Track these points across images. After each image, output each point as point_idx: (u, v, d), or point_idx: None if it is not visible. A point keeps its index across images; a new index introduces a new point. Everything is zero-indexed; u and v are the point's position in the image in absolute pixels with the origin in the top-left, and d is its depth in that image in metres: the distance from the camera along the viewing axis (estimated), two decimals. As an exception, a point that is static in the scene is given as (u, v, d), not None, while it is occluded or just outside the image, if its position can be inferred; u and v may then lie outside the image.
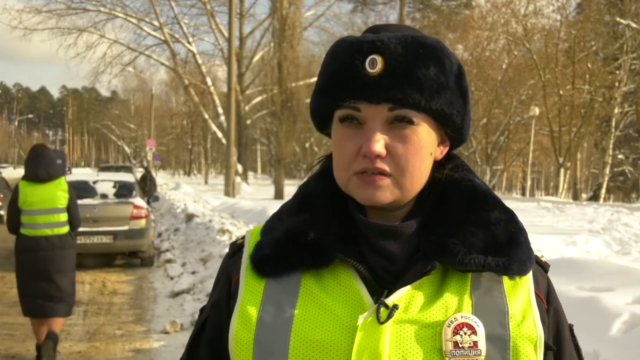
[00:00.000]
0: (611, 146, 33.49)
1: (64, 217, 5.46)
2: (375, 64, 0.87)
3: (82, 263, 10.66)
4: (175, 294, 8.24)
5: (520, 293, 0.91)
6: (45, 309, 5.37)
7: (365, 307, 0.86)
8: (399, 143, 0.88)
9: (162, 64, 35.40)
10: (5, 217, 5.57)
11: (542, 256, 1.01)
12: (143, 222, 10.51)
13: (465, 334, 0.85)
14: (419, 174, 0.90)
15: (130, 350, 5.99)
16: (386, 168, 0.88)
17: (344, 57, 0.90)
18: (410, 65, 0.87)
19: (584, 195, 41.07)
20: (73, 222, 5.54)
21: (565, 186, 33.50)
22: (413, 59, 0.88)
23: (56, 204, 5.41)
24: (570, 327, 0.99)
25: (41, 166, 5.35)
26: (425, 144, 0.90)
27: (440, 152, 0.95)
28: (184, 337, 6.20)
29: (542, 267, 0.98)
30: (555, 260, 5.72)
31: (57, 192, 5.41)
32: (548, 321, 0.94)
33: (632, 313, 3.83)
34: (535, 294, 0.93)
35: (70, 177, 11.90)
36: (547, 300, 0.95)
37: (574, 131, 31.87)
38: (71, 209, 5.51)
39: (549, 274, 1.00)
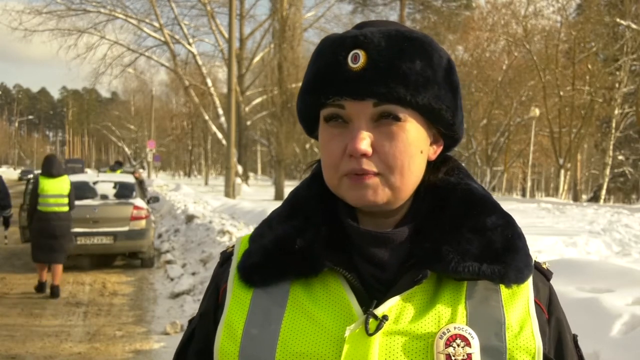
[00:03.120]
0: (611, 147, 33.47)
1: (66, 200, 8.44)
2: (357, 59, 0.84)
3: (82, 264, 10.68)
4: (176, 295, 8.24)
5: (518, 302, 0.87)
6: (50, 257, 8.24)
7: (355, 317, 0.83)
8: (385, 141, 0.84)
9: (163, 65, 35.47)
10: (29, 198, 8.62)
11: (545, 263, 0.96)
12: (143, 222, 10.50)
13: (458, 345, 0.81)
14: (409, 173, 0.86)
15: (130, 351, 5.99)
16: (373, 168, 0.84)
17: (328, 54, 0.87)
18: (394, 59, 0.84)
19: (584, 197, 41.09)
20: (71, 204, 8.52)
21: (566, 187, 33.51)
22: (397, 52, 0.84)
23: (62, 192, 8.41)
24: (575, 337, 0.95)
25: (53, 167, 8.45)
26: (413, 141, 0.86)
27: (434, 151, 0.92)
28: (184, 338, 6.20)
29: (544, 274, 0.94)
30: (556, 261, 5.72)
31: (63, 184, 8.46)
32: (549, 332, 0.90)
33: (632, 314, 3.83)
34: (535, 303, 0.89)
35: (70, 178, 11.91)
36: (548, 310, 0.91)
37: (574, 132, 31.86)
38: (70, 195, 8.51)
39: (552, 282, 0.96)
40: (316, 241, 0.88)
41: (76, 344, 6.19)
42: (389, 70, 0.84)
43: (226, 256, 0.99)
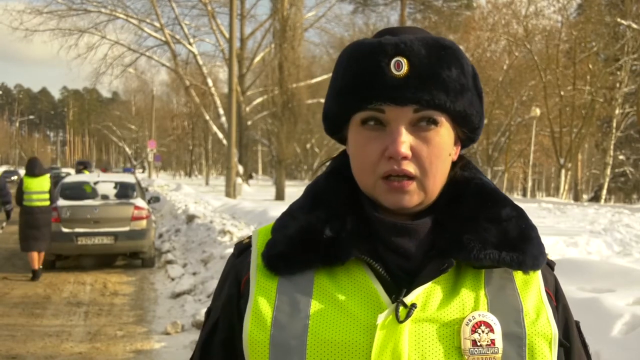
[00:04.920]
0: (612, 147, 33.48)
1: (47, 196, 9.72)
2: (400, 66, 0.88)
3: (83, 264, 10.69)
4: (176, 295, 8.24)
5: (532, 290, 0.92)
6: (35, 245, 9.46)
7: (383, 306, 0.86)
8: (423, 145, 0.89)
9: (163, 65, 35.44)
10: (15, 195, 9.83)
11: (547, 254, 1.00)
12: (144, 223, 10.50)
13: (483, 332, 0.85)
14: (441, 176, 0.91)
15: (131, 351, 5.99)
16: (411, 170, 0.88)
17: (367, 59, 0.90)
18: (434, 67, 0.88)
19: (585, 196, 41.06)
20: (51, 199, 9.81)
21: (566, 187, 33.50)
22: (437, 60, 0.89)
23: (44, 189, 9.70)
24: (577, 324, 1.00)
25: (36, 168, 9.77)
26: (446, 146, 0.91)
27: (455, 152, 0.96)
28: (185, 338, 6.20)
29: (549, 265, 1.00)
30: (557, 261, 5.71)
31: (44, 182, 9.73)
32: (558, 318, 0.94)
33: (633, 314, 3.83)
34: (545, 291, 0.94)
35: (72, 178, 11.94)
36: (556, 298, 0.96)
37: (575, 132, 31.85)
38: (51, 191, 9.81)
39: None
40: (343, 231, 0.91)
41: (77, 344, 6.19)
42: (431, 77, 0.88)
43: (243, 247, 1.01)
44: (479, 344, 0.85)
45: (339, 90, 0.93)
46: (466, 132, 0.95)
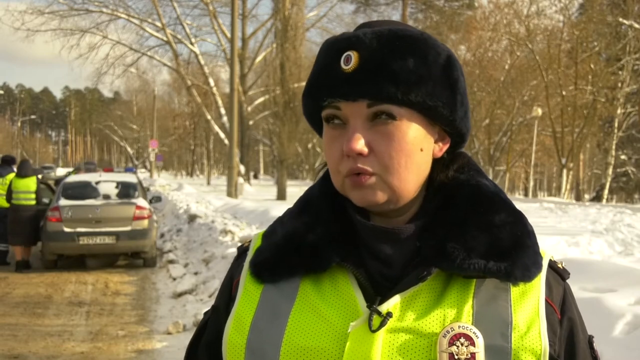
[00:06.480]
0: (614, 147, 33.44)
1: (33, 195, 10.67)
2: (349, 60, 0.84)
3: (85, 264, 10.71)
4: (178, 295, 8.24)
5: (528, 302, 0.85)
6: (18, 240, 10.35)
7: (359, 313, 0.83)
8: (381, 140, 0.84)
9: (165, 64, 35.44)
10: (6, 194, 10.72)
11: (561, 263, 0.95)
12: (146, 222, 10.51)
13: (462, 344, 0.80)
14: (407, 171, 0.85)
15: (132, 350, 5.99)
16: (368, 167, 0.84)
17: (324, 57, 0.88)
18: (385, 58, 0.84)
19: (586, 196, 41.01)
20: (38, 199, 10.73)
21: (568, 187, 33.45)
22: (389, 51, 0.84)
23: (30, 189, 10.67)
24: (590, 338, 0.93)
25: (24, 170, 10.77)
26: (411, 140, 0.85)
27: (440, 149, 0.91)
28: (187, 338, 6.20)
29: (559, 274, 0.92)
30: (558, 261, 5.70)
31: (31, 183, 10.70)
32: (560, 332, 0.88)
33: (635, 314, 3.83)
34: (547, 302, 0.87)
35: (73, 178, 11.97)
36: (561, 310, 0.89)
37: (577, 132, 31.81)
38: (37, 192, 10.74)
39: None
40: (325, 237, 0.89)
41: (79, 344, 6.19)
42: (379, 69, 0.84)
43: (242, 250, 1.01)
44: (456, 357, 0.79)
45: (304, 90, 0.92)
46: (442, 126, 0.89)
